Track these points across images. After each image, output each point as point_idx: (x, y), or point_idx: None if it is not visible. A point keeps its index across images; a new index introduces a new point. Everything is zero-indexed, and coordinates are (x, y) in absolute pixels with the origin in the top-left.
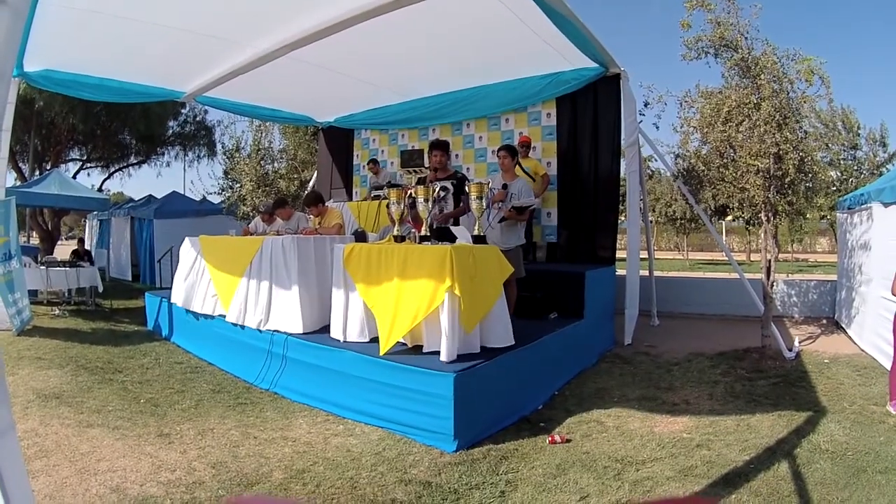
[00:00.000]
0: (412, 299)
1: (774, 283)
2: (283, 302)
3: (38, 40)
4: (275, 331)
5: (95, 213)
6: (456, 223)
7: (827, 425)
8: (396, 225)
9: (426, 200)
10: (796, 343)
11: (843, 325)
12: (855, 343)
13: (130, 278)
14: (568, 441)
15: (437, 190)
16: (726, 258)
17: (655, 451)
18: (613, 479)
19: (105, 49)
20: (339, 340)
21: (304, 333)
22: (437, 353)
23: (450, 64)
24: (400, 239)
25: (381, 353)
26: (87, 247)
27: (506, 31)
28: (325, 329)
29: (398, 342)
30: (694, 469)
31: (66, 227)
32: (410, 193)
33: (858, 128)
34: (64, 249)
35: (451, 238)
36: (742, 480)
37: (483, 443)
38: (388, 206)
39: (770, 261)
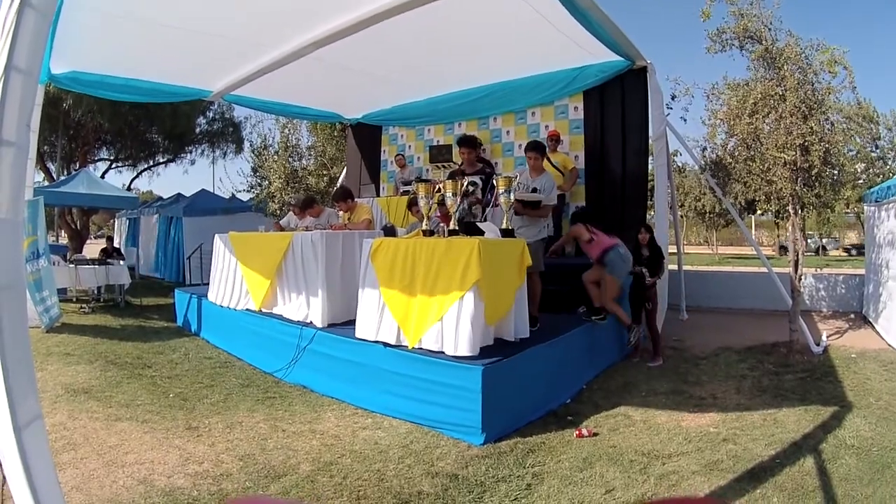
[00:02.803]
0: (438, 292)
1: (803, 277)
2: (311, 296)
3: (64, 42)
4: (304, 325)
5: (125, 211)
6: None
7: (853, 420)
8: (425, 219)
9: (454, 195)
10: (824, 337)
11: (871, 320)
12: (882, 338)
13: (160, 276)
14: (595, 435)
15: (465, 184)
16: (755, 253)
17: (682, 445)
18: (639, 473)
19: (132, 51)
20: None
21: (330, 326)
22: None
23: (475, 60)
24: (429, 233)
25: (410, 346)
26: (115, 244)
27: (530, 28)
28: (353, 322)
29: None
30: (720, 463)
31: (94, 226)
32: (439, 188)
33: (877, 117)
34: (93, 248)
35: (480, 233)
36: (767, 475)
37: (510, 436)
38: (414, 201)
39: (798, 254)
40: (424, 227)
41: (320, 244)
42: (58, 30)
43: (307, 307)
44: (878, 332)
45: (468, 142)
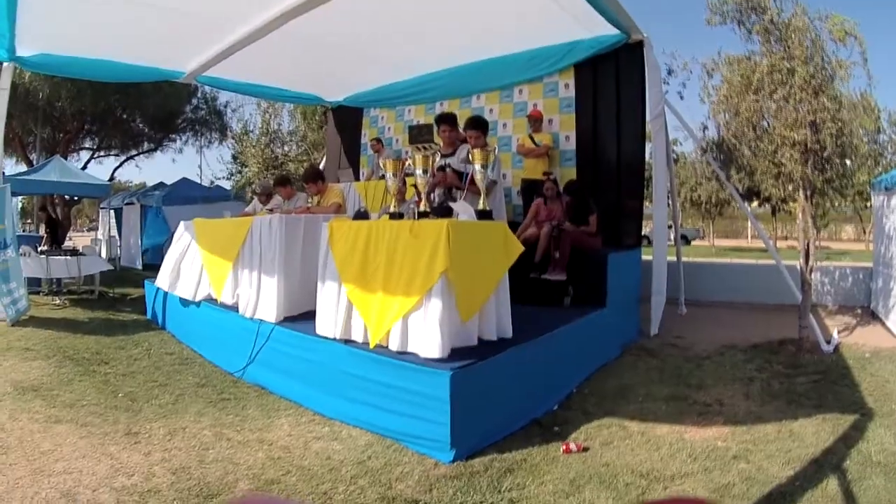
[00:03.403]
0: (402, 282)
1: (812, 270)
2: (268, 287)
3: (28, 23)
4: (262, 319)
5: (108, 202)
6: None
7: (876, 431)
8: (393, 201)
9: (425, 172)
10: (835, 335)
11: (881, 315)
12: (894, 335)
13: (141, 267)
14: (585, 450)
15: (436, 159)
16: (752, 245)
17: (686, 463)
18: (637, 501)
19: (99, 30)
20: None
21: (287, 320)
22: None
23: (460, 36)
24: (397, 216)
25: (372, 345)
26: (99, 236)
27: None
28: (311, 316)
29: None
30: (731, 487)
31: (87, 218)
32: (408, 165)
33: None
34: (83, 240)
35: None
36: (787, 502)
37: (486, 451)
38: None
39: (808, 244)
40: (392, 208)
41: (279, 229)
42: (24, 10)
43: (264, 299)
44: (888, 328)
45: (447, 119)
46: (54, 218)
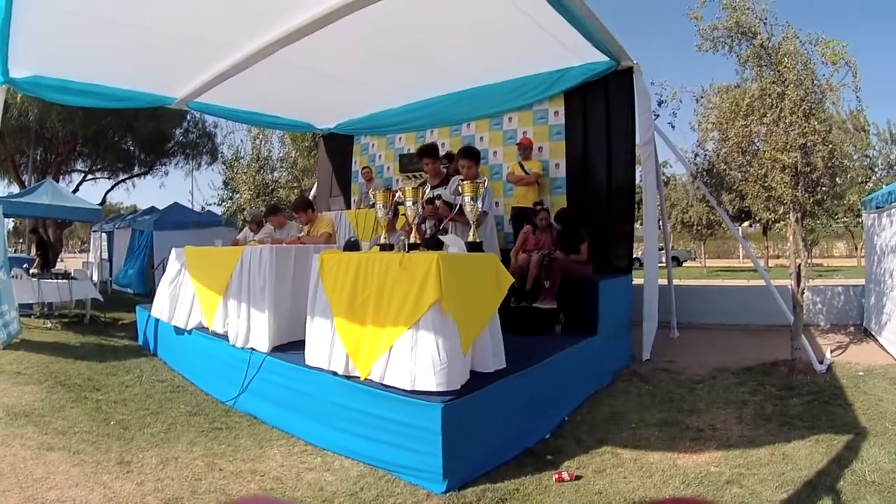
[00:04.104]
0: (391, 314)
1: (804, 291)
2: (258, 317)
3: (22, 45)
4: (253, 349)
5: (100, 225)
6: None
7: (870, 450)
8: (384, 232)
9: (414, 203)
10: (827, 354)
11: (874, 333)
12: (888, 352)
13: (132, 291)
14: (578, 478)
15: (426, 191)
16: (744, 265)
17: (679, 489)
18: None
19: (91, 53)
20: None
21: (277, 350)
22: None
23: (451, 64)
24: (387, 248)
25: (362, 377)
26: (90, 259)
27: (510, 27)
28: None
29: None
30: None
31: (79, 240)
32: (398, 196)
33: (868, 126)
34: (75, 262)
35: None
36: None
37: (478, 481)
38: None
39: (800, 265)
40: (383, 240)
41: (269, 259)
42: (16, 31)
43: (255, 328)
44: (882, 346)
45: (428, 151)
46: (46, 240)
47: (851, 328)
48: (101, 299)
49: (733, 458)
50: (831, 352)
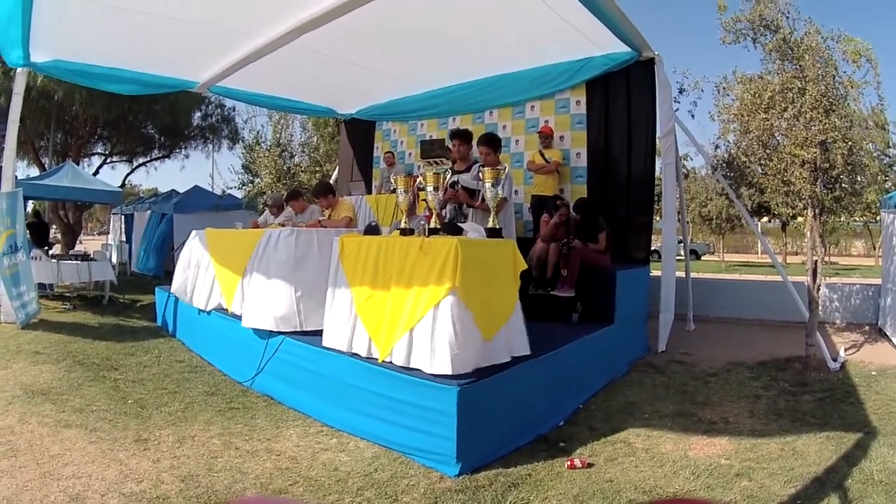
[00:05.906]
0: (411, 298)
1: (820, 288)
2: (279, 299)
3: (43, 29)
4: (271, 331)
5: (120, 207)
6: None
7: (879, 450)
8: (404, 217)
9: (436, 189)
10: (841, 352)
11: (888, 333)
12: None
13: (151, 273)
14: (590, 466)
15: (448, 176)
16: (762, 260)
17: (689, 480)
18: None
19: (113, 39)
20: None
21: (297, 333)
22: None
23: (473, 52)
24: (408, 232)
25: (381, 359)
26: (110, 241)
27: (531, 16)
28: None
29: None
30: None
31: (98, 222)
32: (420, 181)
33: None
34: (94, 244)
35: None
36: None
37: (491, 465)
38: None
39: (816, 262)
40: (403, 224)
41: (291, 242)
42: (40, 17)
43: (275, 311)
44: None
45: (459, 134)
46: (69, 223)
47: (867, 327)
48: (116, 282)
49: (744, 452)
50: (845, 350)
